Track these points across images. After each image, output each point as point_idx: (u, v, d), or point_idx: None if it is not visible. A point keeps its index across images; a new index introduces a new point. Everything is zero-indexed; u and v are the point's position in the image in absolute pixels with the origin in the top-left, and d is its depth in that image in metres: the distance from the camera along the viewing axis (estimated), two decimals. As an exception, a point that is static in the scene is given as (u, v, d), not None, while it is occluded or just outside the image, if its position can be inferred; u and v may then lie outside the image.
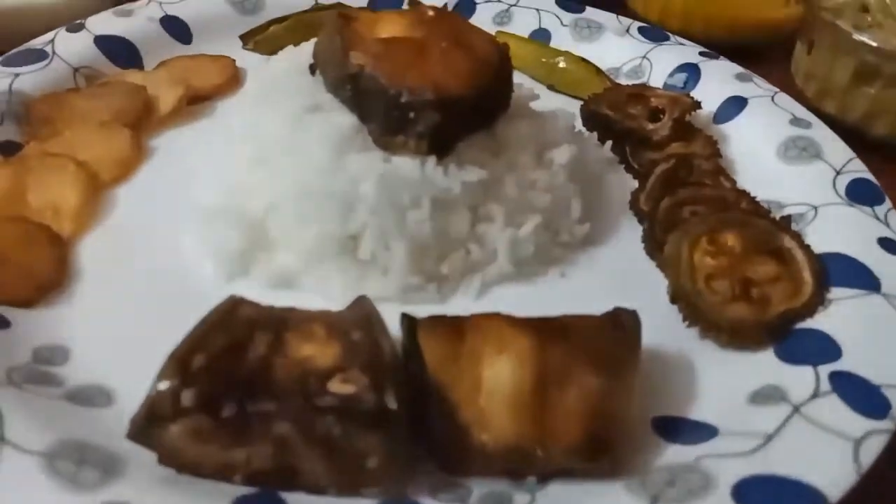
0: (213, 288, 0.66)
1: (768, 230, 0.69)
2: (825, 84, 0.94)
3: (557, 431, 0.51)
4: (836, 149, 0.82)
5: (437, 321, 0.57)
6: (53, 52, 0.88)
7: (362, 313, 0.57)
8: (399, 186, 0.65)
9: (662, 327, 0.64)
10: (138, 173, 0.78)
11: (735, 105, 0.91)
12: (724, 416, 0.56)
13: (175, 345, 0.52)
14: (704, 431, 0.55)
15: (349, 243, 0.66)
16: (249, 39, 0.98)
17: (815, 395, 0.55)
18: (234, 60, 0.96)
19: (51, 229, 0.68)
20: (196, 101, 0.89)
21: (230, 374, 0.50)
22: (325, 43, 0.74)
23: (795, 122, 0.86)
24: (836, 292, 0.65)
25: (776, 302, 0.64)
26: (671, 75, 0.97)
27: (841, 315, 0.63)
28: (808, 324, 0.63)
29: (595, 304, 0.66)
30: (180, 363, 0.50)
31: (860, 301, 0.64)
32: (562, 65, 0.98)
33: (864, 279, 0.65)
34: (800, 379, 0.57)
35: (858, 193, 0.76)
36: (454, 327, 0.56)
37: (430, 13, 0.74)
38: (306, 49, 0.78)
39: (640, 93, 0.92)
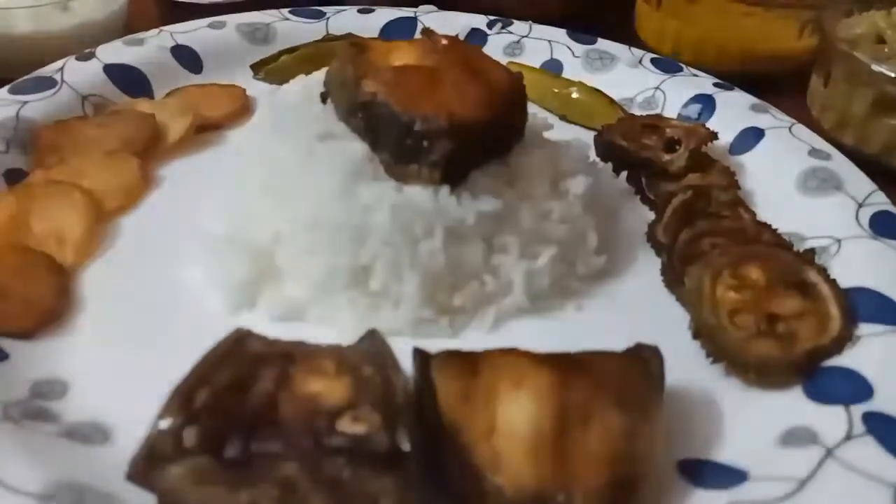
0: (219, 320, 0.64)
1: (792, 263, 0.66)
2: (843, 115, 0.93)
3: (579, 475, 0.49)
4: (858, 180, 0.80)
5: (451, 356, 0.54)
6: (62, 80, 0.87)
7: (373, 348, 0.54)
8: (412, 216, 0.63)
9: (685, 364, 0.62)
10: (144, 202, 0.77)
11: (751, 136, 0.89)
12: (754, 458, 0.53)
13: (177, 379, 0.50)
14: (734, 475, 0.52)
15: (360, 274, 0.64)
16: (260, 69, 0.97)
17: (849, 436, 0.53)
18: (244, 90, 0.95)
19: (52, 258, 0.66)
20: (205, 130, 0.88)
21: (235, 410, 0.48)
22: (336, 71, 0.72)
23: (814, 153, 0.84)
24: (864, 328, 0.63)
25: (803, 338, 0.61)
26: (685, 106, 0.96)
27: (871, 352, 0.60)
28: (837, 361, 0.60)
29: (613, 339, 0.63)
30: (183, 399, 0.47)
31: (889, 338, 0.61)
32: (574, 95, 0.97)
33: (893, 314, 0.63)
34: (831, 419, 0.55)
35: (882, 226, 0.73)
36: (469, 362, 0.54)
37: (443, 42, 0.73)
38: (318, 77, 0.77)
39: (655, 123, 0.90)
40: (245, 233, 0.69)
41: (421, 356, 0.54)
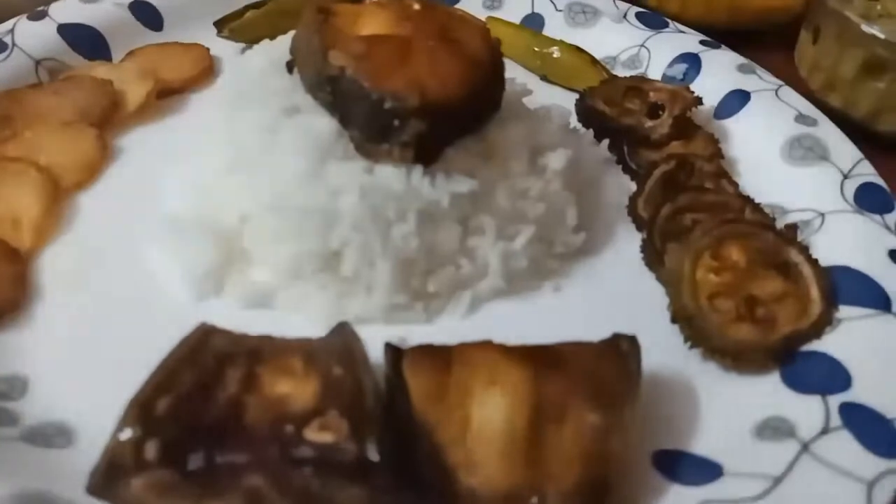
0: (185, 309, 0.62)
1: (774, 243, 0.65)
2: (831, 76, 0.90)
3: (553, 475, 0.48)
4: (844, 149, 0.78)
5: (424, 352, 0.53)
6: (13, 44, 0.82)
7: (343, 345, 0.53)
8: (383, 199, 0.61)
9: (662, 347, 0.61)
10: (103, 177, 0.74)
11: (737, 99, 0.87)
12: (729, 451, 0.53)
13: (142, 375, 0.49)
14: (708, 470, 0.52)
15: (330, 260, 0.62)
16: (224, 26, 0.92)
17: (825, 430, 0.52)
18: (207, 50, 0.90)
19: (7, 244, 0.63)
20: (167, 95, 0.84)
21: (197, 419, 0.46)
22: (302, 39, 0.68)
23: (801, 119, 0.82)
24: (844, 311, 0.62)
25: (782, 322, 0.61)
26: (670, 66, 0.93)
27: (850, 337, 0.59)
28: (816, 346, 0.60)
29: (591, 321, 0.63)
30: (143, 408, 0.46)
31: (870, 322, 0.60)
32: (556, 55, 0.93)
33: (874, 297, 0.62)
34: (808, 410, 0.54)
35: (867, 200, 0.72)
36: (441, 359, 0.53)
37: (416, 6, 0.69)
38: (283, 43, 0.72)
39: (638, 86, 0.87)
40: (210, 213, 0.66)
41: (392, 353, 0.53)
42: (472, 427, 0.49)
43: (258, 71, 0.71)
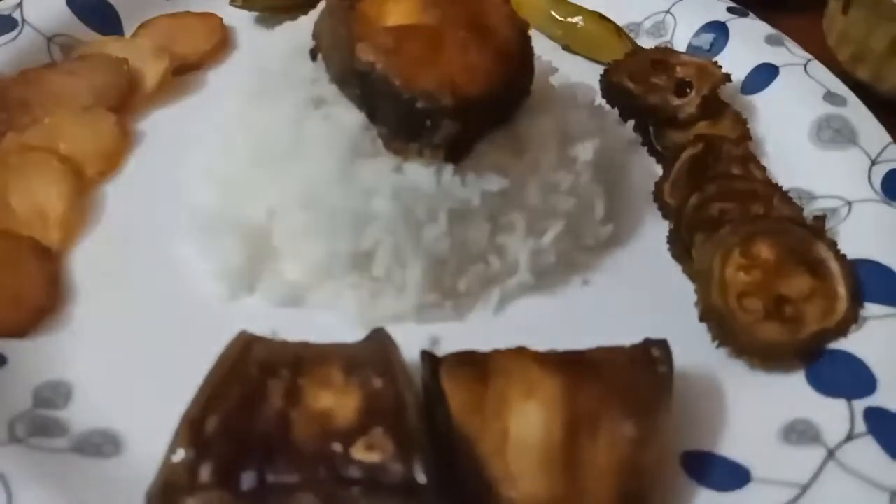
0: (218, 308, 0.63)
1: (803, 238, 0.65)
2: (860, 49, 0.88)
3: (589, 488, 0.50)
4: (872, 132, 0.77)
5: (461, 361, 0.54)
6: (23, 20, 0.80)
7: (381, 352, 0.54)
8: (415, 200, 0.61)
9: (690, 343, 0.61)
10: (126, 166, 0.73)
11: (765, 74, 0.85)
12: (756, 455, 0.55)
13: (181, 382, 0.50)
14: (737, 475, 0.54)
15: (361, 259, 0.62)
16: (238, -6, 0.89)
17: (850, 436, 0.54)
18: (221, 20, 0.88)
19: (39, 243, 0.64)
20: (183, 72, 0.83)
21: (246, 437, 0.48)
22: (327, 27, 0.67)
23: (829, 97, 0.81)
24: (870, 309, 0.63)
25: (810, 321, 0.62)
26: (697, 35, 0.91)
27: (874, 337, 0.61)
28: (842, 345, 0.61)
29: (620, 316, 0.65)
30: (194, 428, 0.47)
31: (894, 321, 0.61)
32: (579, 24, 0.91)
33: (899, 294, 0.63)
34: (833, 414, 0.56)
35: (894, 188, 0.72)
36: (478, 368, 0.54)
37: (444, -9, 0.67)
38: (306, 25, 0.71)
39: (665, 59, 0.85)
40: (237, 208, 0.66)
41: (430, 363, 0.54)
42: (510, 440, 0.51)
43: (280, 56, 0.70)
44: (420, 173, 0.62)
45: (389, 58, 0.61)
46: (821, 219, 0.70)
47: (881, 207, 0.71)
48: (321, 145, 0.63)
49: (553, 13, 0.92)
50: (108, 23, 0.85)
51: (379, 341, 0.56)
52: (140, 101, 0.78)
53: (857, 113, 0.79)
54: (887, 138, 0.77)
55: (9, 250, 0.62)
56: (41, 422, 0.53)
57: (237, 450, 0.47)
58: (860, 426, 0.55)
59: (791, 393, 0.59)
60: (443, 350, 0.60)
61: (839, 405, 0.57)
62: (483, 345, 0.57)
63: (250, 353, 0.53)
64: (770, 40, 0.88)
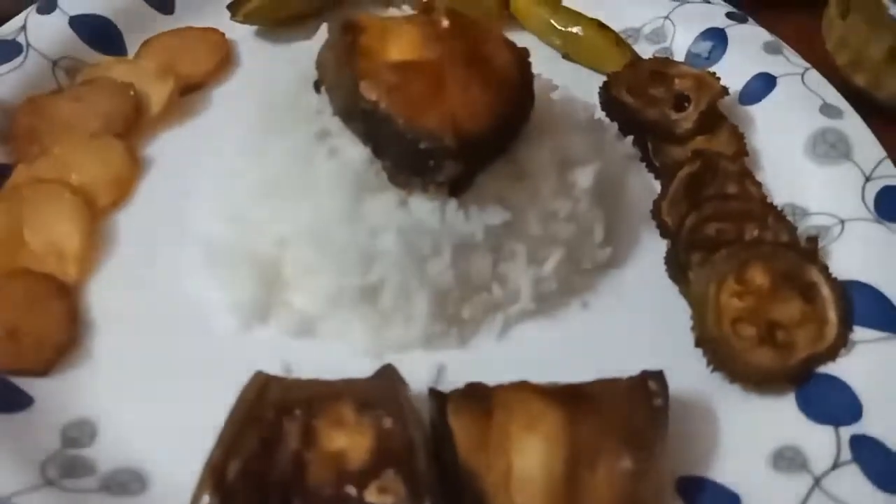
0: (233, 340, 0.65)
1: (795, 263, 0.68)
2: (858, 55, 0.89)
3: (588, 520, 0.53)
4: (867, 146, 0.79)
5: (466, 398, 0.57)
6: (27, 44, 0.81)
7: (390, 391, 0.57)
8: (419, 236, 0.63)
9: (686, 365, 0.64)
10: (136, 194, 0.75)
11: (762, 84, 0.87)
12: (747, 480, 0.58)
13: (201, 415, 0.53)
14: (727, 501, 0.57)
15: (369, 292, 0.65)
16: (238, 11, 0.90)
17: (836, 464, 0.57)
18: (223, 35, 0.89)
19: (58, 280, 0.66)
20: (187, 92, 0.84)
21: (266, 480, 0.51)
22: (330, 61, 0.68)
23: (826, 109, 0.83)
24: (859, 333, 0.65)
25: (800, 347, 0.65)
26: (695, 42, 0.92)
27: (863, 362, 0.63)
28: (831, 369, 0.64)
29: (618, 339, 0.67)
30: (217, 474, 0.50)
31: (882, 346, 0.64)
32: (579, 34, 0.92)
33: (888, 318, 0.66)
34: (821, 441, 0.59)
35: (887, 206, 0.74)
36: (482, 403, 0.57)
37: (444, 22, 0.68)
38: (310, 55, 0.72)
39: (664, 70, 0.87)
40: (247, 241, 0.68)
41: (437, 401, 0.57)
42: (514, 474, 0.54)
43: (285, 88, 0.71)
44: (424, 209, 0.64)
45: (392, 96, 0.63)
46: (813, 240, 0.72)
47: (873, 227, 0.73)
48: (328, 182, 0.65)
49: (553, 22, 0.93)
50: (110, 42, 0.86)
51: (388, 378, 0.59)
52: (146, 125, 0.80)
53: (853, 126, 0.81)
54: (881, 153, 0.78)
55: (29, 290, 0.64)
56: (70, 462, 0.56)
57: (258, 494, 0.50)
58: (846, 454, 0.58)
59: (782, 418, 0.62)
60: (448, 377, 0.65)
61: (827, 432, 0.60)
62: (487, 370, 0.61)
63: (266, 394, 0.56)
64: (768, 48, 0.89)
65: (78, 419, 0.60)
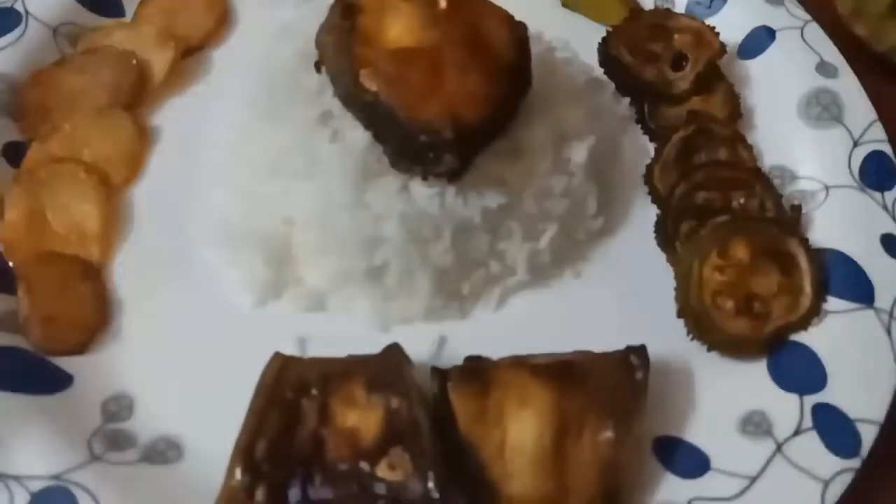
0: (250, 312, 0.71)
1: (776, 236, 0.73)
2: (860, 5, 0.90)
3: (575, 484, 0.61)
4: (859, 108, 0.82)
5: (465, 377, 0.63)
6: (26, 12, 0.82)
7: (396, 371, 0.63)
8: (420, 222, 0.68)
9: (669, 331, 0.71)
10: (147, 169, 0.79)
11: (762, 37, 0.88)
12: (717, 443, 0.65)
13: (227, 384, 0.62)
14: (698, 462, 0.64)
15: (374, 272, 0.70)
16: (233, -38, 0.90)
17: (797, 431, 0.65)
18: (219, -11, 0.90)
19: (84, 262, 0.71)
20: (187, 55, 0.86)
21: (290, 458, 0.59)
22: (329, 44, 0.70)
23: (822, 67, 0.85)
24: (832, 303, 0.71)
25: (775, 316, 0.70)
26: (698, -10, 0.92)
27: (832, 332, 0.69)
28: (802, 338, 0.70)
29: (608, 306, 0.74)
30: (246, 454, 0.58)
31: (852, 317, 0.70)
32: (579, -17, 0.92)
33: (861, 289, 0.71)
34: (786, 409, 0.66)
35: (872, 173, 0.78)
36: (480, 381, 0.63)
37: (442, 3, 0.69)
38: (309, 32, 0.74)
39: (663, 23, 0.88)
40: (257, 219, 0.73)
41: (440, 378, 0.63)
42: (508, 444, 0.62)
43: (287, 66, 0.74)
44: (424, 194, 0.68)
45: (392, 87, 0.65)
46: (797, 209, 0.76)
47: (855, 195, 0.77)
48: (330, 168, 0.69)
49: (553, -30, 0.92)
50: (109, 4, 0.87)
51: (394, 357, 0.65)
52: (150, 94, 0.82)
53: (847, 86, 0.83)
54: (872, 115, 0.81)
55: (58, 274, 0.69)
56: (112, 436, 0.64)
57: (283, 471, 0.58)
58: (807, 422, 0.65)
59: (754, 384, 0.69)
60: (450, 347, 0.71)
61: (792, 399, 0.67)
62: (486, 341, 0.68)
63: (284, 375, 0.63)
64: (771, -1, 0.90)
65: (116, 394, 0.67)
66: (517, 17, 0.86)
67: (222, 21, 0.88)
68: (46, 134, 0.77)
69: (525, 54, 0.70)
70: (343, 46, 0.67)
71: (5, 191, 0.74)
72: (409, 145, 0.66)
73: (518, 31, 0.71)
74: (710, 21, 0.89)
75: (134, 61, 0.81)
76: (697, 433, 0.67)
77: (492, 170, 0.70)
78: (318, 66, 0.72)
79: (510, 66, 0.68)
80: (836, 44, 0.87)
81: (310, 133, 0.70)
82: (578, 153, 0.74)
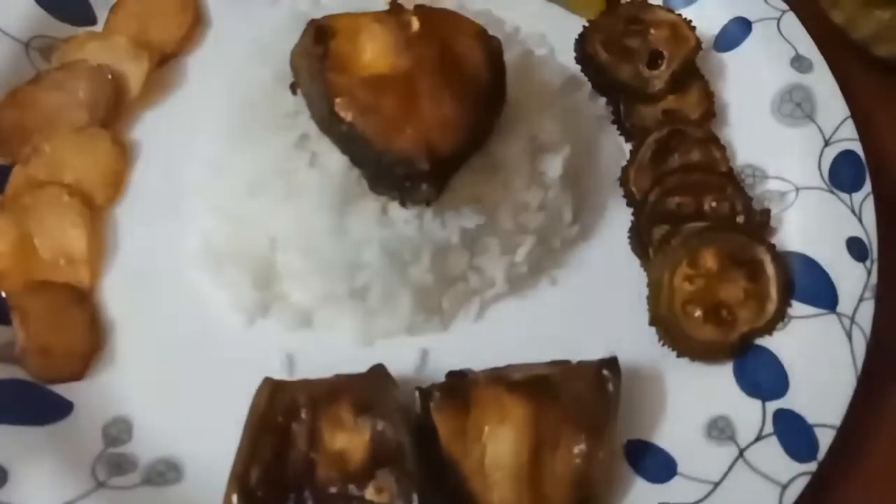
0: (240, 331, 0.75)
1: (744, 244, 0.76)
2: (837, -9, 0.90)
3: (551, 496, 0.66)
4: (832, 105, 0.84)
5: (447, 397, 0.67)
6: (-3, 28, 0.82)
7: (381, 393, 0.68)
8: (400, 245, 0.71)
9: (641, 337, 0.75)
10: (128, 187, 0.81)
11: (738, 30, 0.90)
12: (684, 448, 0.70)
13: (220, 403, 0.67)
14: (666, 466, 0.69)
15: (357, 292, 0.73)
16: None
17: (759, 437, 0.70)
18: (189, -10, 0.89)
19: (75, 288, 0.74)
20: (161, 63, 0.86)
21: (283, 483, 0.63)
22: (304, 67, 0.71)
23: (796, 62, 0.86)
24: (797, 308, 0.75)
25: (742, 323, 0.74)
26: (676, -26, 0.93)
27: (795, 338, 0.74)
28: (767, 343, 0.74)
29: (583, 313, 0.78)
30: (241, 482, 0.63)
31: (815, 322, 0.74)
32: (556, -25, 0.92)
33: (824, 295, 0.75)
34: (750, 414, 0.71)
35: (841, 173, 0.80)
36: (461, 399, 0.68)
37: (414, 23, 0.70)
38: (284, 53, 0.74)
39: (640, 16, 0.89)
40: (241, 238, 0.76)
41: (423, 399, 0.68)
42: (487, 459, 0.67)
43: (263, 87, 0.75)
44: (403, 217, 0.71)
45: (366, 118, 0.67)
46: (766, 213, 0.80)
47: (824, 197, 0.80)
48: (310, 193, 0.71)
49: (530, -39, 0.92)
50: (78, 12, 0.87)
51: (379, 377, 0.69)
52: (126, 108, 0.83)
53: (821, 81, 0.85)
54: (844, 112, 0.83)
55: (51, 303, 0.72)
56: (115, 460, 0.68)
57: (277, 496, 0.63)
58: (769, 427, 0.70)
59: (720, 390, 0.73)
60: (432, 359, 0.75)
61: (755, 405, 0.71)
62: (467, 351, 0.73)
63: (275, 400, 0.67)
64: (748, -16, 0.90)
65: (115, 418, 0.71)
66: (497, 9, 0.88)
67: (194, 26, 0.88)
68: (27, 157, 0.78)
69: (499, 72, 0.72)
70: (316, 73, 0.68)
71: (-10, 218, 0.76)
72: (385, 173, 0.68)
73: (491, 47, 0.72)
74: (688, 10, 0.90)
75: (109, 76, 0.81)
76: (666, 437, 0.72)
77: (468, 188, 0.73)
78: (293, 88, 0.74)
79: (484, 86, 0.70)
80: (814, 29, 0.89)
81: (288, 157, 0.72)
82: (553, 167, 0.76)
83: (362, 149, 0.67)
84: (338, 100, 0.67)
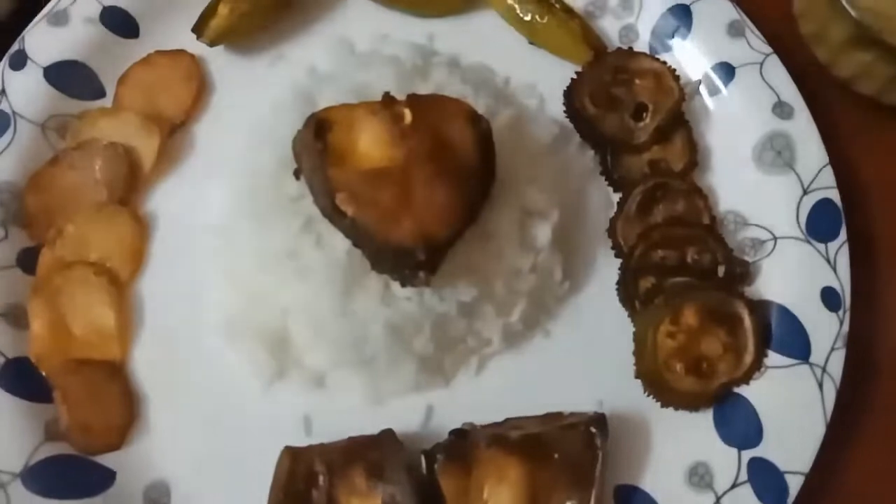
0: (260, 396, 0.82)
1: (723, 301, 0.82)
2: (821, 31, 0.93)
3: (545, 551, 0.75)
4: (811, 153, 0.88)
5: (450, 459, 0.75)
6: (13, 112, 0.87)
7: (391, 458, 0.75)
8: (403, 321, 0.77)
9: (628, 386, 0.82)
10: (149, 262, 0.87)
11: (721, 75, 0.93)
12: (666, 492, 0.78)
13: (249, 465, 0.76)
14: (650, 515, 0.78)
15: (364, 362, 0.80)
16: (203, 30, 0.93)
17: (734, 484, 0.77)
18: (193, 57, 0.94)
19: (110, 364, 0.81)
20: (171, 133, 0.91)
21: (306, 548, 0.72)
22: (305, 158, 0.76)
23: (778, 108, 0.90)
24: (773, 358, 0.81)
25: (721, 373, 0.81)
26: (662, 18, 0.95)
27: (771, 388, 0.80)
28: (745, 391, 0.81)
29: (574, 363, 0.84)
30: (270, 546, 0.71)
31: (789, 372, 0.80)
32: (544, 24, 0.95)
33: (798, 345, 0.81)
34: (727, 461, 0.78)
35: (818, 222, 0.85)
36: (463, 461, 0.75)
37: (407, 117, 0.75)
38: (286, 137, 0.79)
39: (626, 65, 0.92)
40: (256, 310, 0.82)
41: (428, 462, 0.75)
42: (489, 518, 0.75)
43: (267, 173, 0.80)
44: (404, 294, 0.77)
45: (365, 210, 0.72)
46: (745, 266, 0.85)
47: (802, 247, 0.85)
48: (317, 275, 0.77)
49: (518, 11, 0.95)
50: (88, 86, 0.91)
51: (388, 442, 0.77)
52: (142, 183, 0.89)
53: (802, 128, 0.89)
54: (823, 160, 0.87)
55: (88, 381, 0.80)
56: (160, 527, 0.77)
57: (302, 562, 0.72)
58: (743, 475, 0.77)
59: (702, 438, 0.80)
60: (436, 414, 0.82)
61: (732, 453, 0.79)
62: (469, 405, 0.81)
63: (295, 470, 0.75)
64: (732, 29, 0.93)
65: (155, 482, 0.79)
66: (487, 57, 0.92)
67: (201, 93, 0.92)
68: (52, 238, 0.84)
69: (489, 152, 0.77)
70: (317, 167, 0.73)
71: (25, 300, 0.82)
72: (384, 262, 0.74)
73: (481, 128, 0.76)
74: (671, 55, 0.93)
75: (121, 152, 0.86)
76: (651, 483, 0.79)
77: (462, 258, 0.79)
78: (296, 174, 0.79)
79: (476, 168, 0.75)
80: (800, 63, 0.92)
81: (294, 241, 0.78)
82: (543, 233, 0.82)
83: (363, 237, 0.73)
84: (339, 195, 0.73)
